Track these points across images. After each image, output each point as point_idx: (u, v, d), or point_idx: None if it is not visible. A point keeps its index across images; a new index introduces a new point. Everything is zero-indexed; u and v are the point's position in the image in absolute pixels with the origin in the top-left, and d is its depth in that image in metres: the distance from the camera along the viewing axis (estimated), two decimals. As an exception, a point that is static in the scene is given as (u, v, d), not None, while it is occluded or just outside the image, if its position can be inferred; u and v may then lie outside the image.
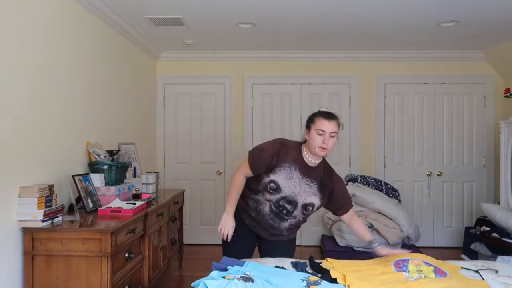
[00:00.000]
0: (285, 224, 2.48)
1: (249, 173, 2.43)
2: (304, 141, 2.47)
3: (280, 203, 2.38)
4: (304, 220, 2.57)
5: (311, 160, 2.41)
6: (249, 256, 2.56)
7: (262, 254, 2.62)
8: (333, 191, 2.47)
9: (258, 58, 5.37)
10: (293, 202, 2.38)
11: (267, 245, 2.61)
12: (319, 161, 2.44)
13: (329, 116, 2.40)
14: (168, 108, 5.46)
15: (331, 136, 2.35)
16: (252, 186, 2.47)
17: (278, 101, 5.42)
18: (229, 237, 2.42)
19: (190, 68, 5.42)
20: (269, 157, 2.36)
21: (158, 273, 3.48)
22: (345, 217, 2.57)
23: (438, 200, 5.37)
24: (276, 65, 5.38)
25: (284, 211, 2.41)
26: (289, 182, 2.34)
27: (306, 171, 2.38)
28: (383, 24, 4.07)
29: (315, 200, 2.42)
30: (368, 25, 4.12)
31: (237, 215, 2.51)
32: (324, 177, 2.45)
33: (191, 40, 4.73)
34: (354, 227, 2.56)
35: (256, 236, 2.62)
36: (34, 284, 2.43)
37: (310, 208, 2.43)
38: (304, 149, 2.43)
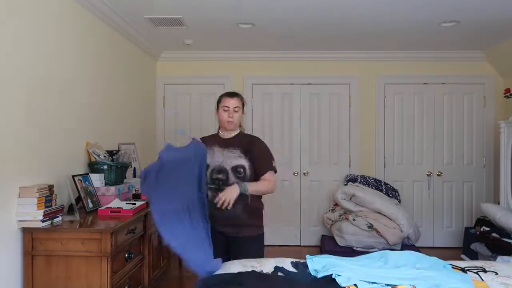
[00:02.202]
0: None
1: None
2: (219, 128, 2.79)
3: (214, 177, 2.61)
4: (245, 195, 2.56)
5: (225, 134, 2.73)
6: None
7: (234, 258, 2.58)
8: (254, 152, 2.66)
9: (258, 58, 5.36)
10: (222, 170, 2.60)
11: (236, 246, 2.62)
12: (235, 133, 2.73)
13: (231, 94, 2.73)
14: (168, 108, 5.46)
15: (235, 111, 2.67)
16: None
17: (278, 101, 5.42)
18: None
19: (190, 68, 5.42)
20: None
21: (158, 273, 3.48)
22: (262, 178, 2.65)
23: (438, 200, 5.37)
24: (276, 65, 5.38)
25: (220, 182, 2.59)
26: (213, 157, 2.63)
27: (224, 143, 2.69)
28: (383, 24, 4.06)
29: (242, 161, 2.62)
30: (368, 25, 4.12)
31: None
32: (245, 143, 2.69)
33: (191, 40, 4.73)
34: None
35: (225, 241, 2.62)
36: (34, 284, 2.43)
37: (241, 169, 2.61)
38: (219, 130, 2.79)
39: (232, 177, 2.59)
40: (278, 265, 2.24)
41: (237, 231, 2.61)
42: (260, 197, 2.72)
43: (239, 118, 2.72)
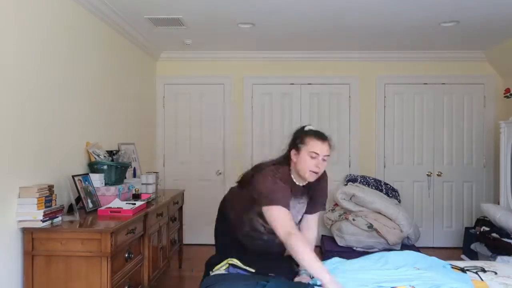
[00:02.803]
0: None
1: (290, 217, 2.08)
2: (285, 162, 2.24)
3: (269, 237, 2.23)
4: None
5: (300, 181, 2.24)
6: None
7: None
8: (316, 191, 2.28)
9: (258, 58, 5.36)
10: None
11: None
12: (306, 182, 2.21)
13: (323, 137, 2.20)
14: (168, 108, 5.46)
15: (323, 160, 2.14)
16: (249, 229, 2.27)
17: (278, 101, 5.42)
18: None
19: (190, 68, 5.42)
20: (286, 192, 2.13)
21: (158, 273, 3.48)
22: (307, 217, 2.31)
23: (438, 200, 5.37)
24: (276, 65, 5.38)
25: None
26: (293, 211, 2.17)
27: (296, 192, 2.20)
28: (383, 24, 4.06)
29: (303, 209, 2.30)
30: (368, 26, 4.11)
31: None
32: (314, 186, 2.25)
33: (191, 40, 4.73)
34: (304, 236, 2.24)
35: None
36: (34, 284, 2.43)
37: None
38: (292, 174, 2.22)
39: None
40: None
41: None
42: None
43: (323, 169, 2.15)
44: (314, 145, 2.10)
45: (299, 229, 2.27)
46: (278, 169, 2.20)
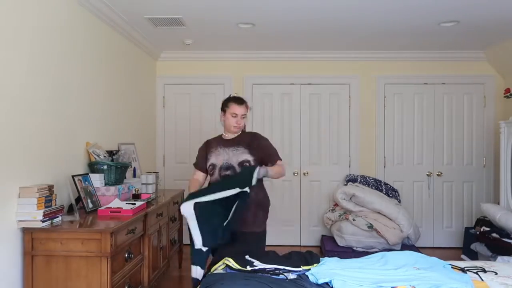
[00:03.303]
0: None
1: (198, 174, 3.03)
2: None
3: (222, 174, 2.82)
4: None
5: (228, 136, 2.92)
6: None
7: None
8: (258, 148, 2.85)
9: (258, 58, 5.37)
10: (229, 167, 2.80)
11: (240, 240, 2.74)
12: (237, 134, 2.92)
13: (240, 101, 2.90)
14: (168, 108, 5.46)
15: (242, 118, 2.88)
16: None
17: (278, 101, 5.42)
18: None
19: (190, 68, 5.42)
20: (201, 154, 3.01)
21: (158, 273, 3.48)
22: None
23: (438, 200, 5.37)
24: (276, 65, 5.38)
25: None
26: (218, 157, 2.85)
27: (228, 143, 2.89)
28: (383, 24, 4.06)
29: (247, 156, 2.80)
30: (368, 25, 4.12)
31: None
32: (247, 140, 2.88)
33: (191, 40, 4.73)
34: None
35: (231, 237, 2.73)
36: (34, 284, 2.43)
37: (247, 164, 2.78)
38: (223, 133, 2.97)
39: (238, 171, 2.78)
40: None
41: (245, 226, 2.74)
42: (268, 199, 2.93)
43: (244, 122, 2.93)
44: (233, 107, 2.87)
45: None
46: (209, 139, 3.05)
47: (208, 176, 3.00)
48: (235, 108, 2.86)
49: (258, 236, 2.83)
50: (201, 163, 3.00)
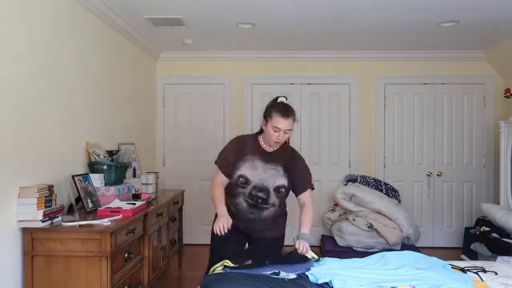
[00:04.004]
0: (265, 214, 2.56)
1: (222, 177, 2.58)
2: (261, 131, 2.59)
3: (253, 193, 2.51)
4: (280, 206, 2.62)
5: (268, 147, 2.56)
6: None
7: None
8: (294, 169, 2.58)
9: (258, 58, 5.36)
10: (264, 189, 2.51)
11: (255, 245, 2.68)
12: (277, 147, 2.56)
13: (286, 114, 2.44)
14: (168, 108, 5.46)
15: (285, 133, 2.46)
16: (228, 187, 2.63)
17: (278, 101, 5.41)
18: (225, 229, 2.42)
19: (190, 68, 5.42)
20: (230, 154, 2.57)
21: (158, 273, 3.48)
22: (301, 197, 2.61)
23: (438, 200, 5.37)
24: (276, 65, 5.38)
25: (260, 200, 2.52)
26: (255, 172, 2.50)
27: (267, 157, 2.53)
28: (383, 24, 4.06)
29: (284, 181, 2.55)
30: (368, 26, 4.11)
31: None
32: (286, 159, 2.58)
33: (191, 40, 4.73)
34: (301, 213, 2.58)
35: (246, 238, 2.68)
36: (33, 284, 2.43)
37: (282, 190, 2.55)
38: (261, 139, 2.57)
39: (273, 197, 2.54)
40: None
41: (262, 233, 2.63)
42: (285, 204, 2.71)
43: (287, 137, 2.54)
44: (277, 121, 2.42)
45: (300, 205, 2.62)
46: (244, 135, 2.69)
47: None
48: (279, 122, 2.41)
49: (277, 239, 2.68)
50: (228, 165, 2.55)
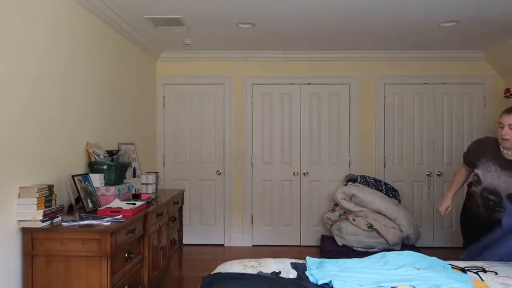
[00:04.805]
0: (501, 218, 2.58)
1: (464, 166, 2.98)
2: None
3: (484, 195, 2.67)
4: None
5: (508, 154, 2.60)
6: None
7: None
8: None
9: (258, 58, 5.37)
10: (495, 193, 2.61)
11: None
12: None
13: (508, 110, 2.60)
14: (168, 108, 5.47)
15: (510, 128, 2.54)
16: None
17: (278, 101, 5.42)
18: (442, 212, 2.91)
19: (190, 68, 5.42)
20: (470, 153, 2.86)
21: (158, 273, 3.49)
22: None
23: (438, 200, 5.36)
24: (276, 65, 5.38)
25: (491, 203, 2.65)
26: (488, 175, 2.63)
27: (505, 164, 2.59)
28: (383, 24, 4.06)
29: None
30: (368, 26, 4.11)
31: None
32: None
33: (191, 40, 4.73)
34: None
35: None
36: (33, 284, 2.43)
37: None
38: (501, 145, 2.68)
39: (505, 202, 2.60)
40: (277, 265, 2.24)
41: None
42: None
43: None
44: (501, 118, 2.61)
45: None
46: (489, 138, 2.84)
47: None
48: (502, 118, 2.60)
49: None
50: (467, 160, 2.89)
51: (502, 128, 2.57)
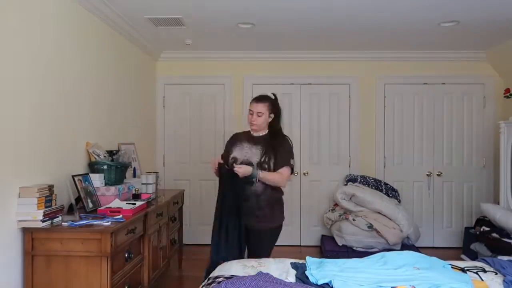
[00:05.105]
0: (256, 188, 2.85)
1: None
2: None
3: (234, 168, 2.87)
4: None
5: (255, 133, 3.01)
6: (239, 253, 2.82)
7: (249, 248, 2.98)
8: (276, 150, 2.92)
9: (258, 58, 5.37)
10: (249, 164, 2.86)
11: (254, 237, 2.92)
12: (263, 133, 3.00)
13: (258, 99, 2.98)
14: (168, 108, 5.46)
15: (258, 116, 2.93)
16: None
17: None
18: (217, 160, 2.96)
19: (190, 68, 5.42)
20: (227, 145, 3.13)
21: (158, 273, 3.49)
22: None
23: (438, 200, 5.37)
24: (276, 65, 5.38)
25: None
26: (242, 151, 2.95)
27: (253, 140, 2.98)
28: (383, 24, 4.06)
29: (266, 158, 2.89)
30: (368, 26, 4.11)
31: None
32: (271, 143, 2.94)
33: (191, 40, 4.73)
34: None
35: (246, 233, 2.86)
36: (34, 284, 2.44)
37: (266, 166, 2.86)
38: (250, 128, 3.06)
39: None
40: (278, 266, 2.24)
41: (258, 222, 2.87)
42: (281, 190, 3.01)
43: (263, 122, 2.96)
44: (250, 105, 2.98)
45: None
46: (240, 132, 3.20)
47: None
48: (251, 105, 2.97)
49: (273, 231, 2.97)
50: (226, 152, 3.09)
51: (251, 114, 2.94)
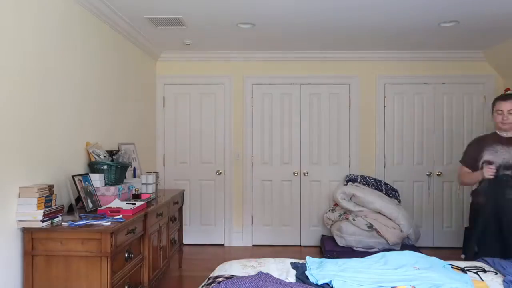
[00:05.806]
0: None
1: (465, 169, 3.16)
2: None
3: (500, 172, 2.88)
4: None
5: (505, 134, 2.99)
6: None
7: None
8: None
9: (258, 58, 5.37)
10: (510, 167, 2.86)
11: None
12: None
13: (505, 97, 2.99)
14: (168, 108, 5.47)
15: (510, 113, 2.92)
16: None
17: (278, 101, 5.42)
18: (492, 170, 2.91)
19: (190, 68, 5.42)
20: (469, 152, 3.13)
21: (158, 273, 3.49)
22: None
23: (438, 200, 5.37)
24: (276, 65, 5.38)
25: (510, 178, 2.86)
26: (496, 155, 2.93)
27: (507, 141, 2.95)
28: (383, 24, 4.07)
29: None
30: (368, 25, 4.12)
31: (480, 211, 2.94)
32: None
33: (191, 40, 4.73)
34: None
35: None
36: (33, 284, 2.43)
37: None
38: (496, 130, 3.07)
39: None
40: (278, 265, 2.24)
41: None
42: None
43: None
44: (498, 105, 2.97)
45: None
46: (476, 137, 3.28)
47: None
48: (499, 105, 2.95)
49: None
50: (469, 159, 3.10)
51: (501, 114, 2.92)
